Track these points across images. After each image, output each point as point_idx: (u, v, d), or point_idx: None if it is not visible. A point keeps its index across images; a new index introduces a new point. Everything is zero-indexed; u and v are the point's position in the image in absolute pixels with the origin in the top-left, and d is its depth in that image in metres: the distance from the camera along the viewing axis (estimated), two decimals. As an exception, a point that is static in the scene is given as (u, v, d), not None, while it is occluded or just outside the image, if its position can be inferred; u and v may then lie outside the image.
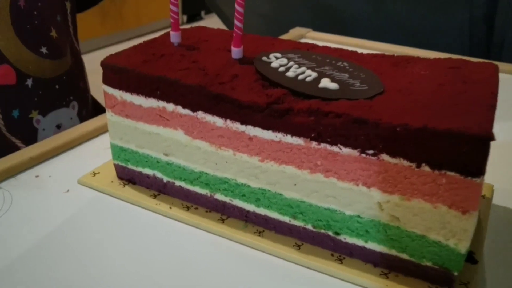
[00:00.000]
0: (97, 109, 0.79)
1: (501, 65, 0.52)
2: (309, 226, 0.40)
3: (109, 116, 0.46)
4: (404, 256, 0.37)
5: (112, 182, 0.48)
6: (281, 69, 0.41)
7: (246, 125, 0.39)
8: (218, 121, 0.40)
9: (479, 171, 0.31)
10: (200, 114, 0.40)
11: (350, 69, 0.41)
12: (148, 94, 0.42)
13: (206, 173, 0.43)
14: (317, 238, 0.40)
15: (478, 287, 0.37)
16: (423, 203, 0.34)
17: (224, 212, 0.44)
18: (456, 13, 1.00)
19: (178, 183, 0.45)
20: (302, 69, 0.41)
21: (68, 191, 0.48)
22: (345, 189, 0.37)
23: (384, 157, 0.34)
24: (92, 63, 0.82)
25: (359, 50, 0.47)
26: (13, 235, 0.42)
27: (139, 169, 0.47)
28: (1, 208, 0.45)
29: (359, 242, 0.38)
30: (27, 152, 0.52)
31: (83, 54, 0.77)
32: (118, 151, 0.48)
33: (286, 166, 0.38)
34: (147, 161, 0.46)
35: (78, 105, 0.70)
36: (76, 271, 0.38)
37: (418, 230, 0.35)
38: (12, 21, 0.59)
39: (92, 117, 0.62)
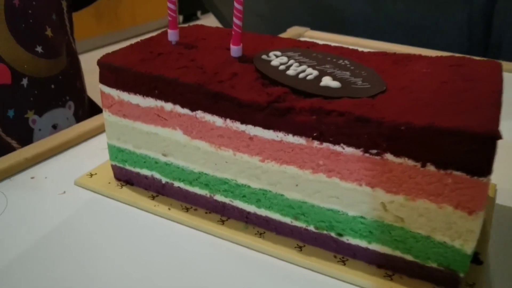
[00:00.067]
0: (93, 110, 0.78)
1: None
2: (311, 227, 0.39)
3: (106, 116, 0.45)
4: (409, 257, 0.36)
5: (109, 183, 0.48)
6: (281, 67, 0.40)
7: (246, 124, 0.38)
8: (217, 121, 0.39)
9: (486, 170, 0.31)
10: (199, 114, 0.40)
11: (352, 67, 0.41)
12: (146, 93, 0.42)
13: (205, 173, 0.42)
14: (319, 239, 0.39)
15: (483, 289, 0.36)
16: (428, 204, 0.34)
17: (224, 213, 0.43)
18: (455, 13, 1.00)
19: (177, 184, 0.44)
20: (303, 67, 0.40)
21: (64, 192, 0.47)
22: (348, 190, 0.36)
23: (388, 156, 0.34)
24: (87, 64, 0.82)
25: (359, 49, 0.46)
26: (8, 238, 0.41)
27: (137, 170, 0.46)
28: (-4, 210, 0.45)
29: (363, 243, 0.37)
30: (22, 153, 0.52)
31: (78, 55, 0.76)
32: (115, 151, 0.47)
33: (288, 166, 0.38)
34: (145, 162, 0.45)
35: (74, 105, 0.69)
36: (73, 275, 0.37)
37: (423, 231, 0.35)
38: (7, 20, 0.59)
39: (89, 118, 0.61)
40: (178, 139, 0.42)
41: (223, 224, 0.42)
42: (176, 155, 0.43)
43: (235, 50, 0.42)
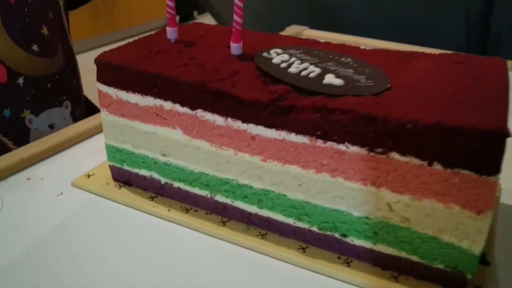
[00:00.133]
0: (90, 110, 0.77)
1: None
2: (315, 228, 0.38)
3: (104, 116, 0.45)
4: (415, 258, 0.35)
5: (107, 184, 0.47)
6: (283, 65, 0.39)
7: (248, 123, 0.37)
8: (218, 120, 0.38)
9: (495, 169, 0.30)
10: (200, 112, 0.39)
11: (355, 65, 0.40)
12: (144, 92, 0.41)
13: (206, 173, 0.41)
14: (323, 240, 0.38)
15: (491, 290, 0.36)
16: (435, 203, 0.33)
17: (225, 214, 0.42)
18: (453, 12, 1.00)
19: (176, 184, 0.43)
20: (305, 65, 0.39)
21: (61, 194, 0.47)
22: (352, 189, 0.35)
23: (394, 155, 0.33)
24: (83, 64, 0.81)
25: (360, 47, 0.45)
26: (3, 240, 0.41)
27: (136, 170, 0.45)
28: (-9, 212, 0.44)
29: (367, 244, 0.37)
30: (18, 153, 0.51)
31: (74, 53, 0.75)
32: (113, 151, 0.46)
33: (291, 166, 0.37)
34: (144, 162, 0.44)
35: (71, 105, 0.68)
36: (70, 280, 0.37)
37: (429, 232, 0.34)
38: (2, 18, 0.58)
39: (86, 118, 0.61)
40: (178, 139, 0.41)
41: (224, 225, 0.41)
42: (175, 155, 0.42)
43: (235, 47, 0.41)
